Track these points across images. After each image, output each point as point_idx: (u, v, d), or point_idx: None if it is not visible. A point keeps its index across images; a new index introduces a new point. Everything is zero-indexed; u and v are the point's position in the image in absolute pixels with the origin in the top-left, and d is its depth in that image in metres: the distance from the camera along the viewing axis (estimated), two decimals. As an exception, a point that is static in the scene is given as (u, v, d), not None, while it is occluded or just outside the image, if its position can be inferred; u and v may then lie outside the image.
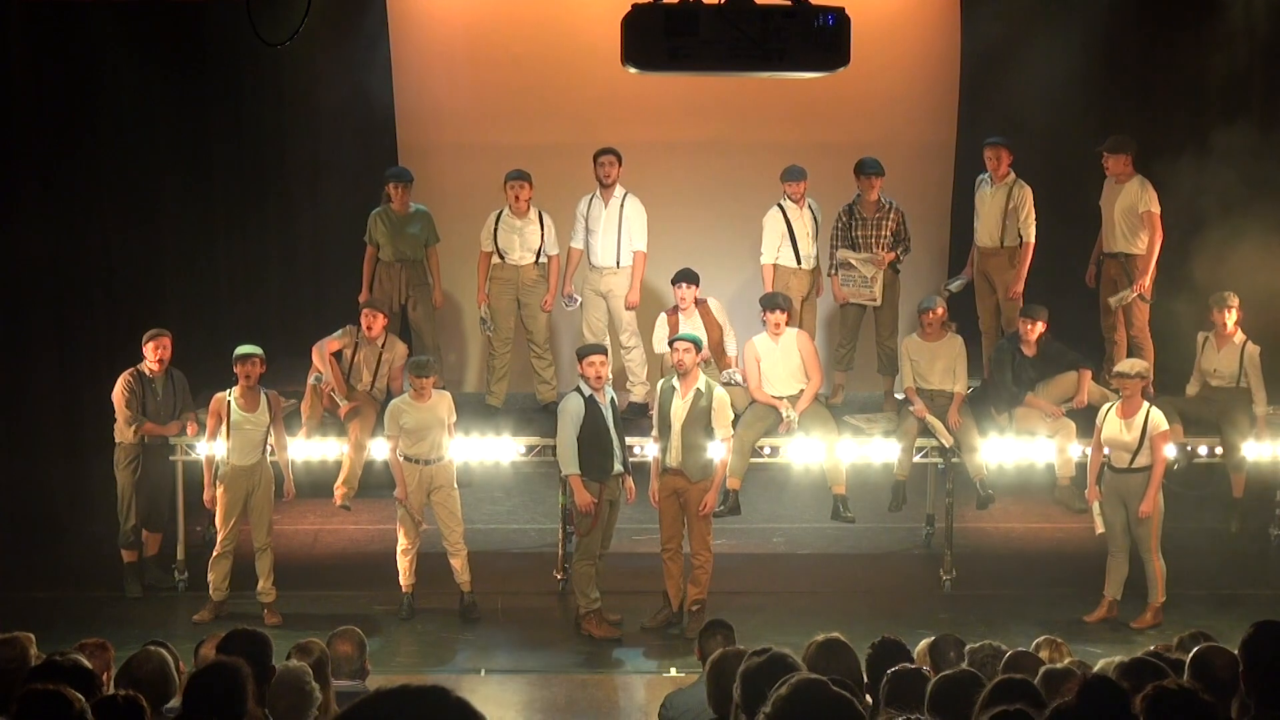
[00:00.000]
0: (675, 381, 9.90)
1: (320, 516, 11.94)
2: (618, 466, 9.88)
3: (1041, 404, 10.63)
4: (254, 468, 10.13)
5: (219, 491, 10.08)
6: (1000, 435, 10.72)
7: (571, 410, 9.74)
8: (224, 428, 10.07)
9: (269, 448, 10.22)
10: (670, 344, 10.06)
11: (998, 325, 11.35)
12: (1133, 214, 10.97)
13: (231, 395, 10.09)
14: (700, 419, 9.80)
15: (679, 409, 9.82)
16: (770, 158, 11.75)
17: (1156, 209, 10.91)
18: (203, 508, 10.62)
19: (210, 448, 10.20)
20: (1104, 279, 11.30)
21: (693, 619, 9.84)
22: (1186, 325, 11.19)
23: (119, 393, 10.40)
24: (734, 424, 10.32)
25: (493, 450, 10.89)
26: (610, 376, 9.97)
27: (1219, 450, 10.81)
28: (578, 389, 9.83)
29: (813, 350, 10.63)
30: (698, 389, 9.81)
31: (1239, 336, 10.79)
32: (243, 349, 10.10)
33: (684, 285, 10.79)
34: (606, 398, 9.82)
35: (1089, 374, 10.70)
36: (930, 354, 10.72)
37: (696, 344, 9.93)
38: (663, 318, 10.93)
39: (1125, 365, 10.27)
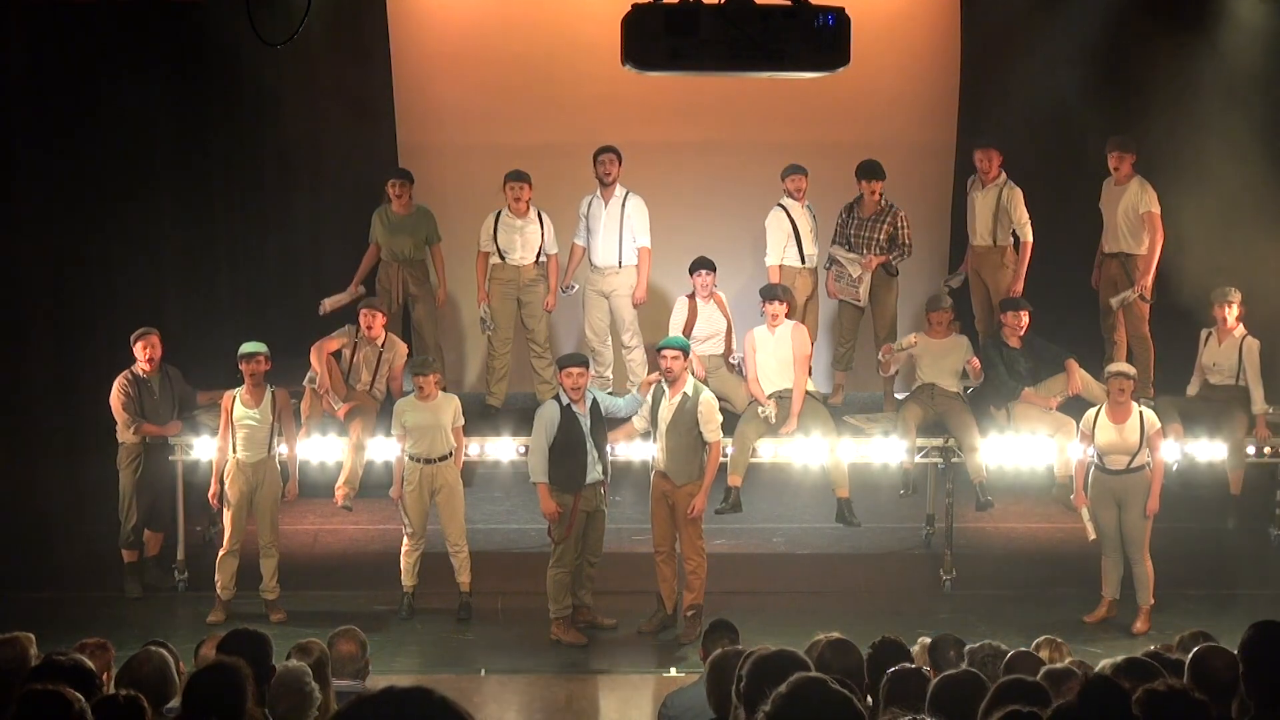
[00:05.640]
0: (665, 384, 9.88)
1: (320, 516, 11.94)
2: (594, 475, 9.80)
3: (1037, 399, 10.64)
4: (258, 465, 10.14)
5: (224, 488, 10.09)
6: (1000, 434, 10.72)
7: (546, 418, 9.72)
8: (231, 425, 10.11)
9: (275, 446, 10.23)
10: (658, 350, 9.95)
11: (992, 323, 11.37)
12: (1133, 214, 11.01)
13: (238, 392, 10.14)
14: (685, 421, 9.74)
15: (666, 411, 9.79)
16: (770, 158, 11.76)
17: (1157, 209, 10.94)
18: (202, 508, 10.64)
19: (218, 445, 10.22)
20: (1104, 279, 11.33)
21: (688, 624, 9.83)
22: (1187, 325, 11.20)
23: (115, 396, 10.40)
24: (736, 420, 10.33)
25: (493, 450, 10.90)
26: (599, 380, 9.93)
27: (1218, 449, 10.81)
28: (556, 397, 9.81)
29: (804, 347, 10.51)
30: (685, 392, 9.77)
31: (1239, 331, 10.81)
32: (246, 347, 10.14)
33: (703, 272, 10.78)
34: (586, 406, 9.78)
35: (1075, 362, 10.72)
36: (937, 352, 10.70)
37: (685, 350, 9.89)
38: (682, 301, 10.91)
39: (1124, 366, 10.27)
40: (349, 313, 11.02)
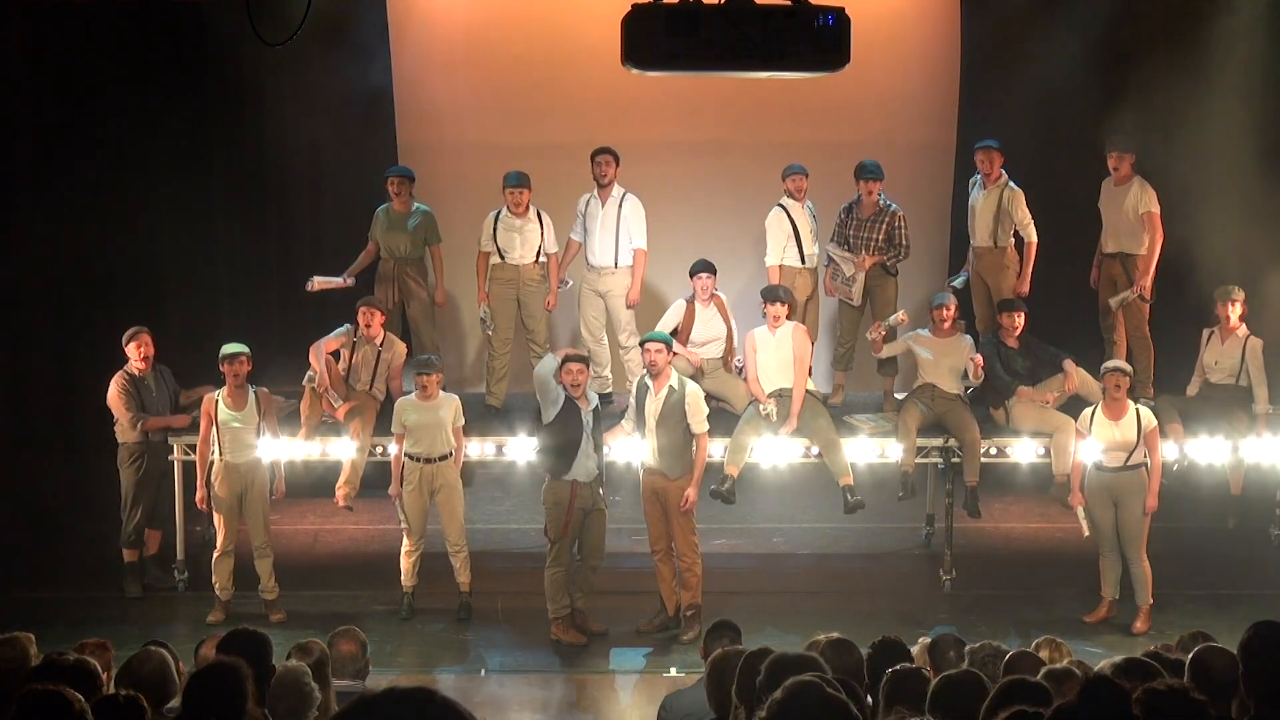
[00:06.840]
0: (649, 379, 9.88)
1: (320, 516, 11.95)
2: (591, 472, 9.74)
3: (1034, 394, 10.63)
4: (246, 466, 10.12)
5: (212, 491, 10.08)
6: (1000, 434, 10.71)
7: (552, 393, 9.61)
8: (215, 428, 10.09)
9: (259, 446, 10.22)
10: (641, 344, 9.97)
11: (993, 323, 11.37)
12: (1133, 215, 11.00)
13: (220, 394, 10.11)
14: (674, 414, 9.72)
15: (652, 406, 9.77)
16: (770, 158, 11.75)
17: (1156, 209, 10.93)
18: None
19: (199, 449, 10.21)
20: (1104, 279, 11.33)
21: (687, 623, 9.82)
22: (1187, 325, 11.19)
23: (115, 396, 10.41)
24: (736, 420, 10.32)
25: (493, 450, 10.90)
26: (597, 380, 9.86)
27: (1218, 449, 10.80)
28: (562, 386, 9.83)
29: (804, 348, 10.47)
30: (670, 385, 9.75)
31: (1242, 330, 10.81)
32: (228, 348, 10.11)
33: (703, 275, 10.77)
34: (589, 405, 9.76)
35: (1072, 362, 10.71)
36: (939, 350, 10.69)
37: (668, 344, 9.89)
38: (679, 304, 10.88)
39: (1119, 362, 10.28)
40: (347, 313, 11.01)
